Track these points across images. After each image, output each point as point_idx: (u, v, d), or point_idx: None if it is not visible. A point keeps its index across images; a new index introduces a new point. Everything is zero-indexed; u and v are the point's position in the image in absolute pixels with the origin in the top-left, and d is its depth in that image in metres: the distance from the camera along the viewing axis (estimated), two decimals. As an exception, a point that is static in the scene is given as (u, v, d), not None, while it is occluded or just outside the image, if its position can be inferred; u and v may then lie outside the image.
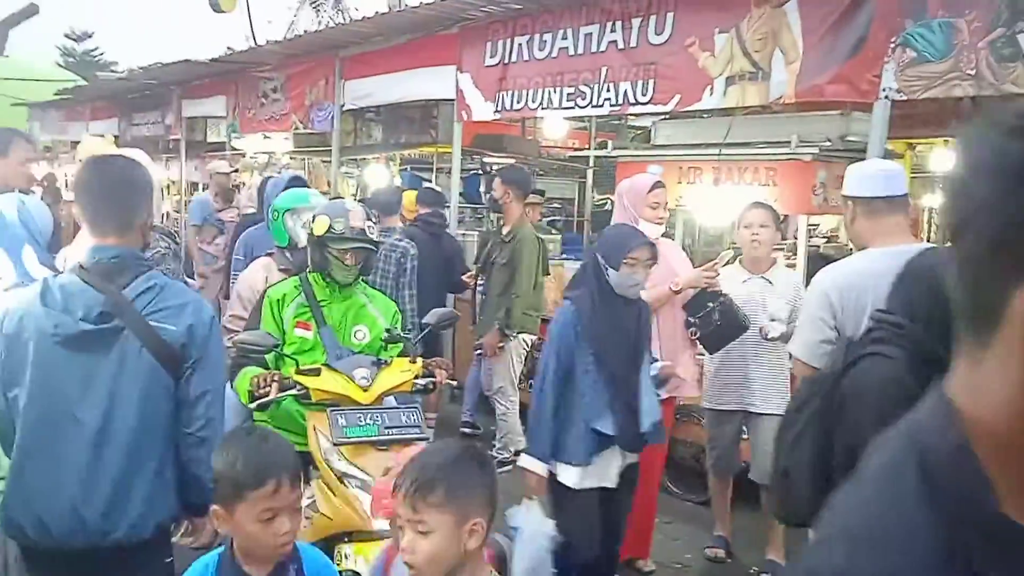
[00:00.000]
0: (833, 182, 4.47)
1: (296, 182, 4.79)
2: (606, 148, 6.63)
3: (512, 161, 9.72)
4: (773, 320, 3.85)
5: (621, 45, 5.03)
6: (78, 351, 2.10)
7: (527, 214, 5.88)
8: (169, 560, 2.30)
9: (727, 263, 3.96)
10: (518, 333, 5.40)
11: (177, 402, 2.21)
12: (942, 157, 6.64)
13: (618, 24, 5.04)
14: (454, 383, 3.28)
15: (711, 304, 3.70)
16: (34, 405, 2.12)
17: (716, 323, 3.70)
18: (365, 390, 2.83)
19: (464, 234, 7.35)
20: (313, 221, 3.08)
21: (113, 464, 2.10)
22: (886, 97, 3.88)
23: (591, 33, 5.23)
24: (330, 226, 2.98)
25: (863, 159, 3.84)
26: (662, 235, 3.94)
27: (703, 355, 4.07)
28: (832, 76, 4.10)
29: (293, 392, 2.79)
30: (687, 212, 5.76)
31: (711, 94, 4.56)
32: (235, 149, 10.40)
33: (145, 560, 2.19)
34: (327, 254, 3.03)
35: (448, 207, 6.50)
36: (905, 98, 3.87)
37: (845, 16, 4.00)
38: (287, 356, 2.95)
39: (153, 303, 2.17)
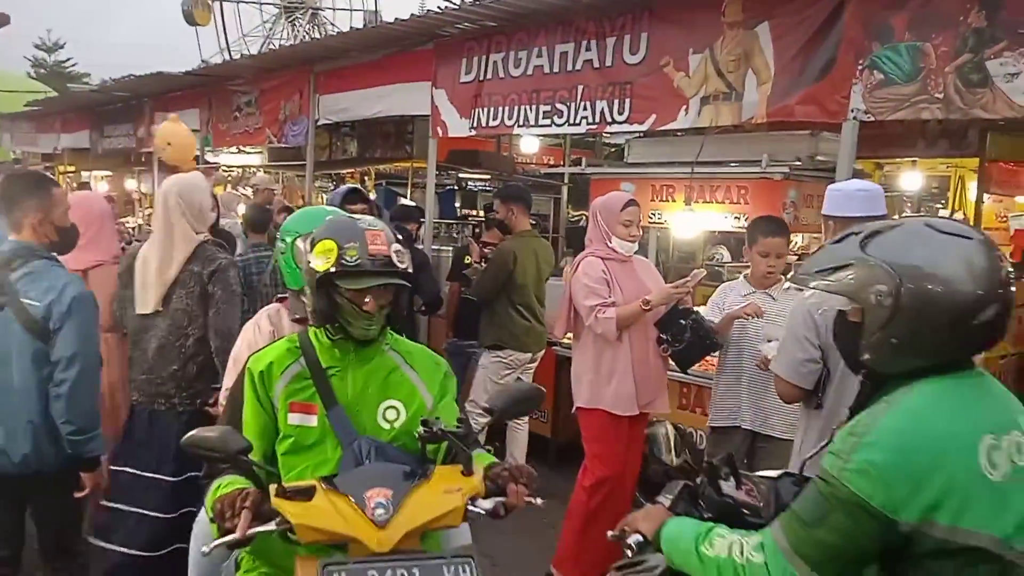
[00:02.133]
0: (803, 200, 4.53)
1: (354, 196, 3.98)
2: (581, 165, 6.67)
3: (487, 177, 9.76)
4: (770, 341, 3.57)
5: (596, 64, 5.07)
6: None
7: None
8: (72, 498, 2.89)
9: (699, 280, 3.95)
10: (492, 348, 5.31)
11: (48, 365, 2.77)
12: (910, 177, 6.77)
13: (593, 43, 5.08)
14: (538, 502, 1.99)
15: (683, 321, 3.71)
16: None
17: (688, 340, 3.71)
18: (382, 527, 1.78)
19: (439, 249, 7.36)
20: (312, 249, 2.05)
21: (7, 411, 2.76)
22: (854, 118, 3.94)
23: (566, 52, 5.27)
24: (339, 256, 1.98)
25: (832, 178, 3.90)
26: (635, 252, 3.96)
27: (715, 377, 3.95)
28: (802, 97, 4.16)
29: (272, 527, 1.79)
30: (660, 229, 5.80)
31: (686, 113, 4.61)
32: (208, 163, 10.33)
33: (43, 491, 2.87)
34: (336, 297, 2.03)
35: (423, 223, 6.48)
36: (873, 119, 3.93)
37: (815, 38, 4.07)
38: (285, 454, 2.06)
39: (28, 285, 2.78)
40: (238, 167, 11.95)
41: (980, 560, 1.36)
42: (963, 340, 1.46)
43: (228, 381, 2.52)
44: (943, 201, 8.30)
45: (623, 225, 3.84)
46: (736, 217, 4.61)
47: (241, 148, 10.65)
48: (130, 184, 13.26)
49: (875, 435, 1.41)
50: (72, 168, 14.02)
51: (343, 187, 4.35)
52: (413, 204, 6.76)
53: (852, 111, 3.95)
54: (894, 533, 1.38)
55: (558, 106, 5.36)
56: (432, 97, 6.30)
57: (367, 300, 1.99)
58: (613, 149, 10.44)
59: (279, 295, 2.85)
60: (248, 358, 2.12)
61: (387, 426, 2.06)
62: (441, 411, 2.11)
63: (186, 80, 9.15)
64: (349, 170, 9.68)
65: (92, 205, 3.87)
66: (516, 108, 5.66)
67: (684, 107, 4.64)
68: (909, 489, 1.36)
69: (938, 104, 3.65)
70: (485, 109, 5.90)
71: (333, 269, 1.95)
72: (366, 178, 10.02)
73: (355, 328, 2.02)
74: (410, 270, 2.03)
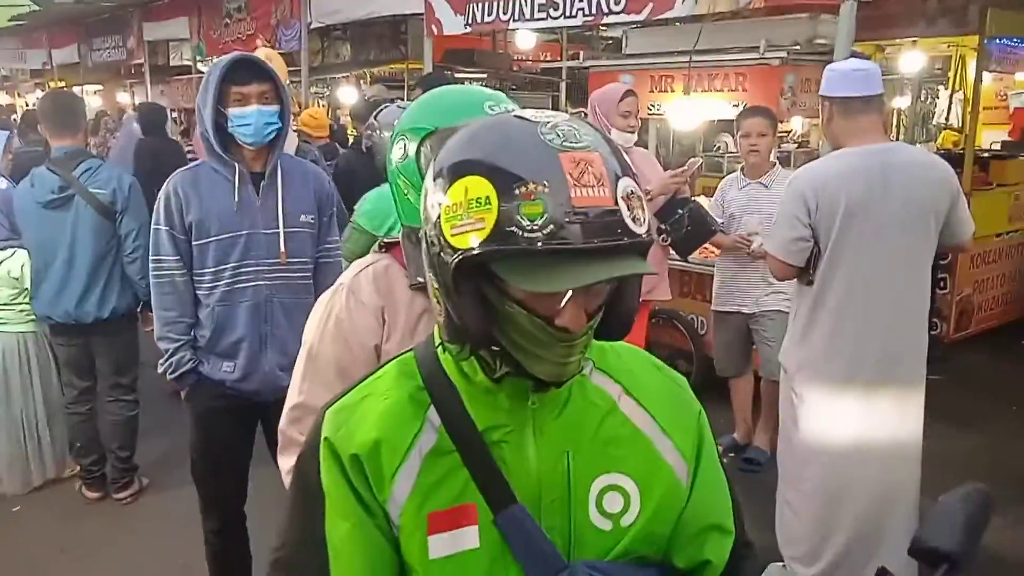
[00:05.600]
0: (801, 85, 4.54)
1: (245, 73, 3.12)
2: (578, 60, 6.60)
3: (484, 76, 9.64)
4: (755, 234, 3.97)
5: (591, -47, 4.97)
6: (52, 211, 3.48)
7: None
8: (133, 332, 3.79)
9: (698, 168, 4.03)
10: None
11: (117, 238, 3.54)
12: (910, 58, 6.70)
13: (587, -69, 4.97)
14: None
15: (680, 211, 3.80)
16: (33, 247, 3.59)
17: (687, 228, 3.81)
18: None
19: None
20: (444, 193, 0.92)
21: (80, 277, 3.50)
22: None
23: (560, -58, 5.15)
24: (502, 215, 0.86)
25: (831, 62, 3.91)
26: (634, 144, 4.01)
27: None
28: (800, -22, 4.13)
29: None
30: (660, 120, 5.81)
31: (683, 2, 4.55)
32: (201, 72, 10.18)
33: (116, 330, 3.65)
34: (498, 302, 0.94)
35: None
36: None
37: (812, -83, 4.00)
38: None
39: (91, 178, 3.48)
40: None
41: None
42: None
43: (300, 392, 1.53)
44: (944, 81, 8.21)
45: (621, 116, 3.88)
46: (735, 105, 4.61)
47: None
48: (122, 97, 13.11)
49: None
50: (63, 83, 13.80)
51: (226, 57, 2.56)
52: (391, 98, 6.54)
53: (850, -7, 3.91)
54: None
55: (554, -1, 5.29)
56: (425, -6, 6.19)
57: (567, 309, 0.93)
58: (610, 42, 10.24)
59: (386, 240, 1.63)
60: (325, 414, 1.09)
61: (608, 526, 1.05)
62: (700, 491, 1.12)
63: (173, -13, 8.94)
64: (344, 74, 9.55)
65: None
66: (511, 2, 5.57)
67: (681, -6, 4.59)
68: None
69: (937, -20, 3.62)
70: (480, 4, 5.80)
71: (493, 246, 0.87)
72: (362, 82, 9.90)
73: (542, 362, 0.96)
74: (652, 236, 0.95)
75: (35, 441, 3.80)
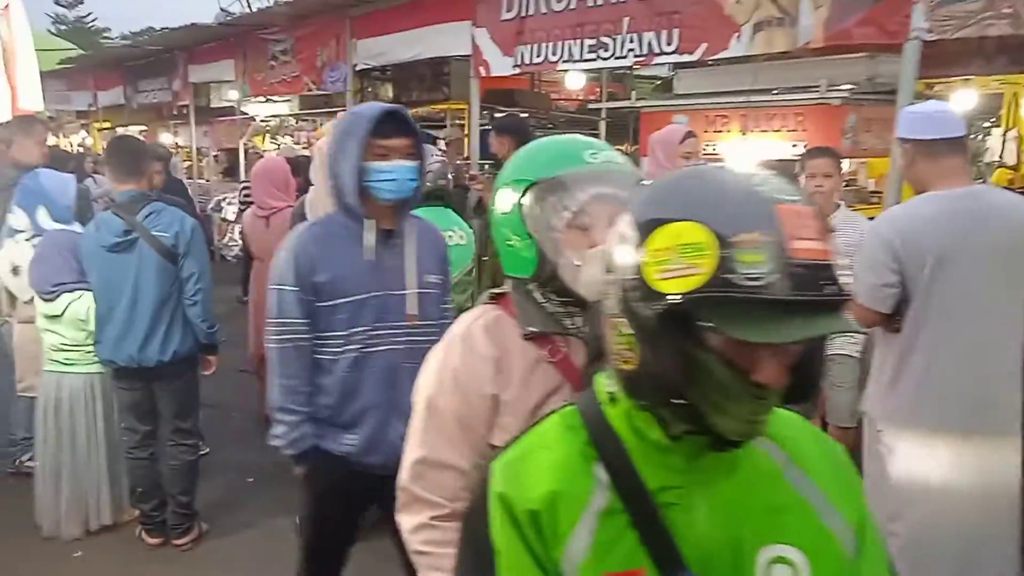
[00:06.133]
0: (862, 125, 4.48)
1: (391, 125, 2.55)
2: (616, 99, 6.61)
3: (524, 116, 9.71)
4: None
5: (642, -6, 4.99)
6: (116, 255, 3.47)
7: None
8: (194, 375, 3.74)
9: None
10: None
11: (179, 281, 3.53)
12: (962, 96, 6.62)
13: (638, -27, 5.00)
14: None
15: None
16: (98, 290, 3.56)
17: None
18: None
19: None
20: (644, 240, 0.92)
21: (143, 320, 3.49)
22: (917, 37, 3.87)
23: (610, -17, 5.19)
24: (722, 263, 0.85)
25: (893, 101, 3.87)
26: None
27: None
28: (860, 19, 4.08)
29: None
30: (715, 162, 5.77)
31: (738, 41, 4.54)
32: (244, 114, 10.37)
33: (177, 373, 3.62)
34: (695, 352, 0.90)
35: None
36: (936, 38, 3.86)
37: (873, -43, 3.97)
38: None
39: (154, 221, 3.49)
40: (271, 117, 11.97)
41: None
42: None
43: (421, 446, 1.48)
44: (994, 119, 8.11)
45: (683, 158, 3.86)
46: (793, 145, 4.58)
47: (269, 98, 10.65)
48: (165, 138, 13.35)
49: None
50: (107, 124, 14.13)
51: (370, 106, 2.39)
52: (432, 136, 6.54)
53: (914, 31, 3.87)
54: None
55: (603, 39, 5.31)
56: (473, 36, 6.25)
57: (770, 363, 0.90)
58: (649, 81, 10.26)
59: (493, 291, 1.59)
60: (492, 468, 1.07)
61: None
62: (866, 565, 1.08)
63: (219, 31, 9.15)
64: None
65: (278, 164, 5.08)
66: (560, 44, 5.61)
67: (736, 34, 4.57)
68: None
69: (1007, 20, 3.57)
70: (528, 46, 5.85)
71: (707, 293, 0.85)
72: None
73: (732, 418, 0.93)
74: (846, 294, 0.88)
75: (96, 485, 3.78)
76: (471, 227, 3.87)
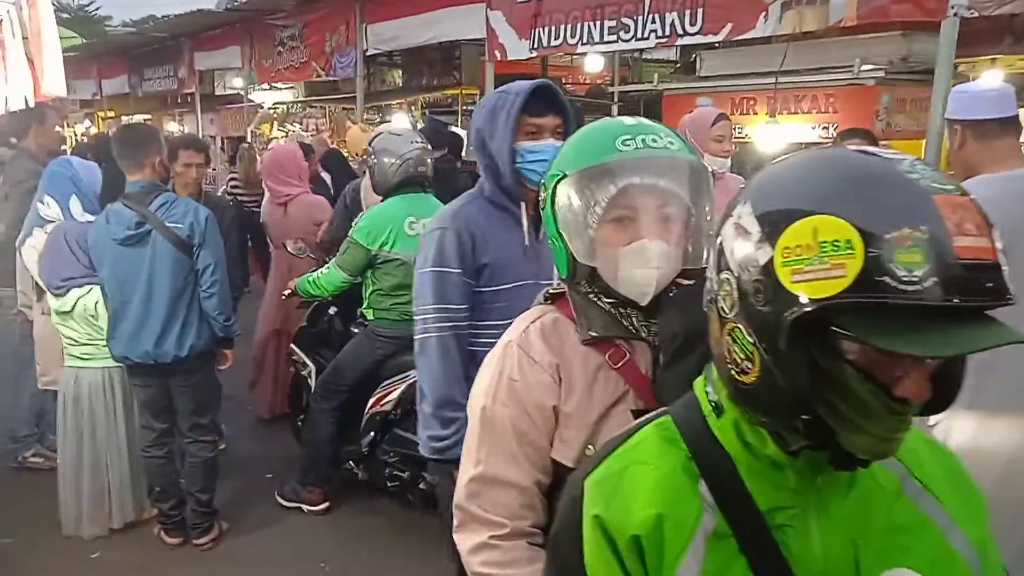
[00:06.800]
0: (897, 106, 4.33)
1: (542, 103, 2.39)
2: (626, 83, 6.45)
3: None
4: None
5: (665, -27, 4.84)
6: (128, 247, 3.34)
7: None
8: (211, 370, 3.64)
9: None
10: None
11: (194, 273, 3.41)
12: (988, 76, 6.45)
13: (661, -49, 4.84)
14: None
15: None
16: (110, 285, 3.43)
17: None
18: None
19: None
20: (763, 235, 0.80)
21: (159, 315, 3.36)
22: (955, 14, 3.72)
23: (632, -39, 5.03)
24: (869, 262, 0.73)
25: (929, 81, 3.72)
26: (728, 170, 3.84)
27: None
28: (897, -4, 3.94)
29: None
30: (747, 145, 5.63)
31: (766, 20, 4.39)
32: (251, 101, 10.23)
33: (194, 368, 3.50)
34: (829, 363, 0.79)
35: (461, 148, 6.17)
36: (976, 15, 3.71)
37: (910, -70, 3.82)
38: None
39: (167, 213, 3.35)
40: (278, 104, 11.83)
41: None
42: None
43: (477, 463, 1.37)
44: (1020, 100, 7.93)
45: (715, 141, 3.72)
46: (824, 127, 4.44)
47: (272, 84, 10.50)
48: (171, 126, 13.22)
49: None
50: (112, 113, 14.01)
51: (520, 82, 2.11)
52: (444, 122, 6.42)
53: (952, 7, 3.72)
54: None
55: (624, 20, 5.15)
56: (488, 19, 6.10)
57: (914, 377, 0.80)
58: (678, 64, 10.04)
59: (551, 291, 1.48)
60: (583, 486, 0.96)
61: None
62: None
63: (225, 17, 8.99)
64: (397, 100, 9.50)
65: (289, 151, 5.04)
66: (579, 25, 5.45)
67: (763, 13, 4.42)
68: None
69: (1053, -6, 3.43)
70: (546, 28, 5.70)
71: (854, 297, 0.74)
72: (413, 108, 9.84)
73: (865, 435, 0.82)
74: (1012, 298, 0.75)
75: (117, 481, 3.68)
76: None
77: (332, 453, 3.88)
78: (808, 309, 0.76)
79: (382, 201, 3.76)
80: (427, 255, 2.18)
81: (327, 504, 3.94)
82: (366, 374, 3.71)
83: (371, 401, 3.70)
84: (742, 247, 0.82)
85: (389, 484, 3.69)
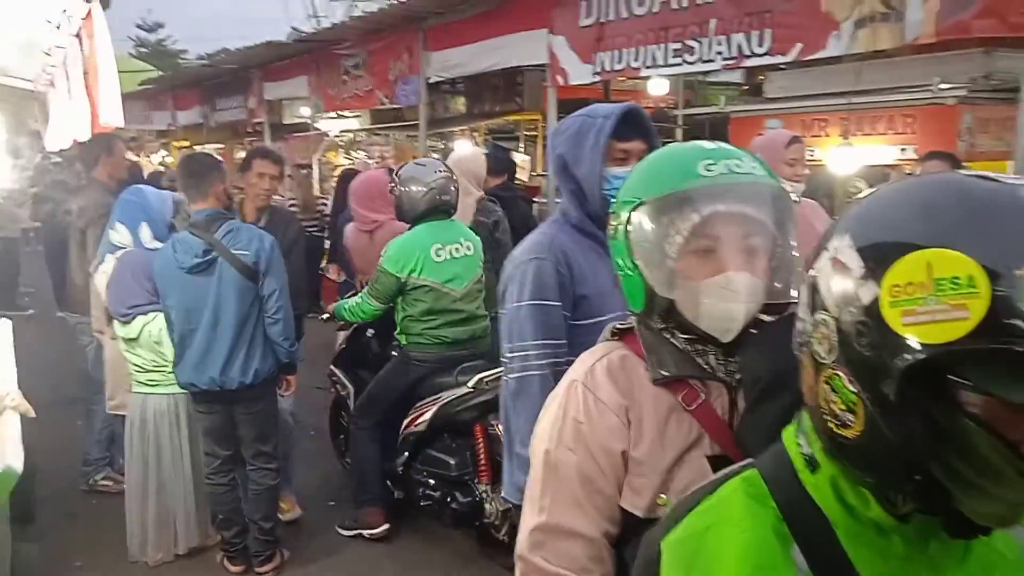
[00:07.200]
0: (979, 126, 4.14)
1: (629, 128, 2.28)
2: (690, 106, 6.34)
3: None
4: None
5: (731, -6, 4.74)
6: (195, 275, 3.38)
7: None
8: (273, 397, 3.66)
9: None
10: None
11: (258, 300, 3.45)
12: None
13: (726, -29, 4.75)
14: None
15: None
16: (178, 313, 3.45)
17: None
18: None
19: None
20: (839, 270, 0.76)
21: (225, 341, 3.40)
22: (1043, 29, 3.54)
23: (696, -16, 4.95)
24: (996, 303, 0.65)
25: (1011, 100, 3.55)
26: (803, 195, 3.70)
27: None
28: (979, 10, 3.75)
29: None
30: (819, 169, 5.46)
31: (838, 39, 4.24)
32: (318, 130, 10.42)
33: (258, 395, 3.53)
34: (964, 425, 0.70)
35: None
36: (1066, 29, 3.52)
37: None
38: None
39: (233, 240, 3.40)
40: (344, 132, 12.04)
41: None
42: None
43: (541, 511, 1.27)
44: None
45: (788, 165, 3.59)
46: (903, 149, 4.26)
47: (340, 113, 10.68)
48: (242, 155, 13.57)
49: None
50: (186, 143, 14.45)
51: (606, 105, 2.07)
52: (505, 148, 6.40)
53: (1041, 21, 3.54)
54: None
55: (689, 43, 5.06)
56: (550, 45, 6.08)
57: None
58: (746, 87, 9.86)
59: (619, 326, 1.39)
60: (660, 548, 0.88)
61: None
62: None
63: (293, 48, 9.20)
64: (460, 127, 9.56)
65: (377, 177, 4.94)
66: (643, 49, 5.38)
67: (835, 32, 4.27)
68: None
69: None
70: (609, 53, 5.64)
71: (980, 343, 0.66)
72: (475, 134, 9.89)
73: (992, 501, 0.73)
74: None
75: (182, 507, 3.70)
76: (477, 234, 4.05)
77: (378, 471, 3.93)
78: (923, 356, 0.67)
79: (409, 229, 3.87)
80: (523, 288, 2.04)
81: (387, 527, 3.91)
82: (401, 396, 3.82)
83: (405, 422, 3.80)
84: (841, 284, 0.74)
85: (422, 503, 3.76)
